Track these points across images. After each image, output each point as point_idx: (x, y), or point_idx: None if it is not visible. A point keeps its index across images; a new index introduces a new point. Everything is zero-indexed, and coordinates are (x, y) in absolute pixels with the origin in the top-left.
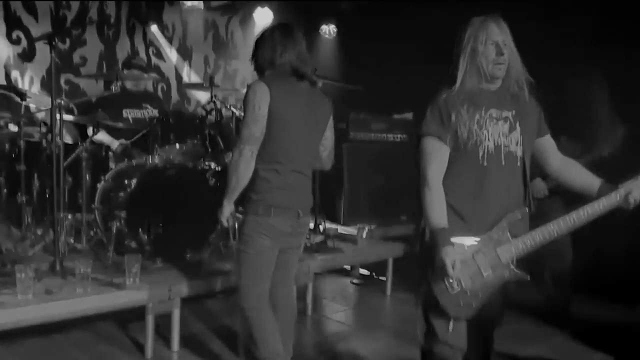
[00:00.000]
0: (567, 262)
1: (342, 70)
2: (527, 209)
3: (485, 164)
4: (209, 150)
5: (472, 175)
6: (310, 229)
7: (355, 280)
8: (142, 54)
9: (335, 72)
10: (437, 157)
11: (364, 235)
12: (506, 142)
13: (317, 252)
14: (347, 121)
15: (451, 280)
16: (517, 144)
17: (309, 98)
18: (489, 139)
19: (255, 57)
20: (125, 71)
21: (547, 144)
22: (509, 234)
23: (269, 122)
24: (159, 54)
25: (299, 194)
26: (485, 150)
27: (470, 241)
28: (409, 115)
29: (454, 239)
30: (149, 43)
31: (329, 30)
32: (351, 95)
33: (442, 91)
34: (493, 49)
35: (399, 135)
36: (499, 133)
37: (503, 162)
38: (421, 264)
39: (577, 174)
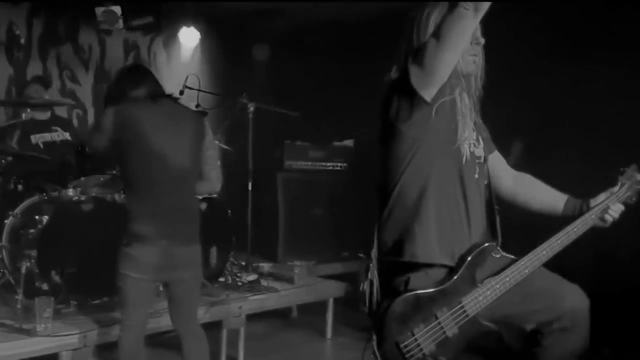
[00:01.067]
0: None
1: (277, 95)
2: (494, 243)
3: (464, 162)
4: None
5: (452, 186)
6: (241, 267)
7: None
8: (56, 78)
9: (270, 96)
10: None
11: (302, 274)
12: (478, 152)
13: (248, 292)
14: (281, 149)
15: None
16: (483, 154)
17: (168, 117)
18: (467, 140)
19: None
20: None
21: (497, 161)
22: (476, 276)
23: (121, 150)
24: (74, 77)
25: (163, 223)
26: (466, 147)
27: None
28: (349, 143)
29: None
30: (62, 66)
31: (261, 52)
32: (287, 122)
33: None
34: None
35: (339, 164)
36: (473, 140)
37: (477, 175)
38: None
39: (536, 191)
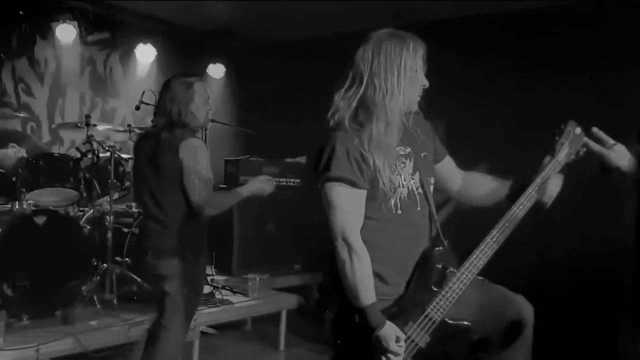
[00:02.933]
0: None
1: (231, 112)
2: (440, 247)
3: (399, 212)
4: (84, 194)
5: (386, 227)
6: None
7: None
8: (10, 91)
9: (225, 113)
10: (355, 209)
11: (256, 287)
12: (415, 183)
13: (203, 304)
14: (237, 165)
15: None
16: (419, 181)
17: (154, 144)
18: (402, 185)
19: None
20: None
21: (447, 167)
22: (432, 285)
23: None
24: (29, 91)
25: (147, 239)
26: (399, 197)
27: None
28: (302, 159)
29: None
30: (17, 79)
31: (216, 70)
32: (243, 139)
33: (345, 120)
34: (422, 73)
35: (292, 180)
36: (409, 174)
37: (419, 207)
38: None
39: (483, 184)
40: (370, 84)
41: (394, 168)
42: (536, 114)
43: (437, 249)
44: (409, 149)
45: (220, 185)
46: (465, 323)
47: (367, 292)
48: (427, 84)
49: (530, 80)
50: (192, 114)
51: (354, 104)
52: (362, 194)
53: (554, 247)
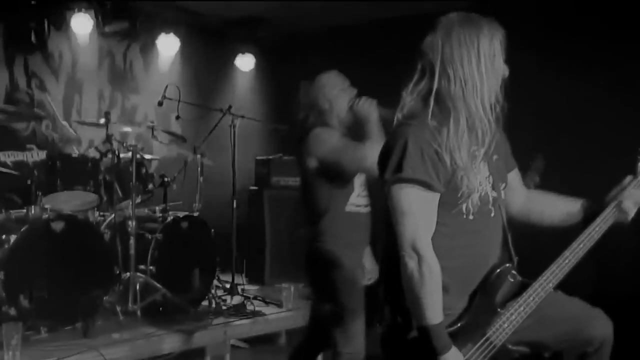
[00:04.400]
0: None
1: (262, 107)
2: (510, 264)
3: (471, 217)
4: (104, 198)
5: (456, 233)
6: (226, 289)
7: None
8: (23, 87)
9: (255, 109)
10: (428, 214)
11: (290, 297)
12: (489, 188)
13: (234, 316)
14: (268, 165)
15: None
16: (494, 187)
17: None
18: (477, 189)
19: None
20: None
21: (513, 180)
22: (497, 306)
23: None
24: (43, 87)
25: None
26: (472, 201)
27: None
28: None
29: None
30: (31, 74)
31: (245, 62)
32: (276, 135)
33: (415, 115)
34: (501, 60)
35: None
36: (484, 177)
37: (492, 214)
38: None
39: (550, 204)
40: (443, 75)
41: (470, 169)
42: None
43: (506, 265)
44: (483, 150)
45: (251, 187)
46: (526, 349)
47: (435, 309)
48: (506, 72)
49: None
50: None
51: (427, 99)
52: (435, 197)
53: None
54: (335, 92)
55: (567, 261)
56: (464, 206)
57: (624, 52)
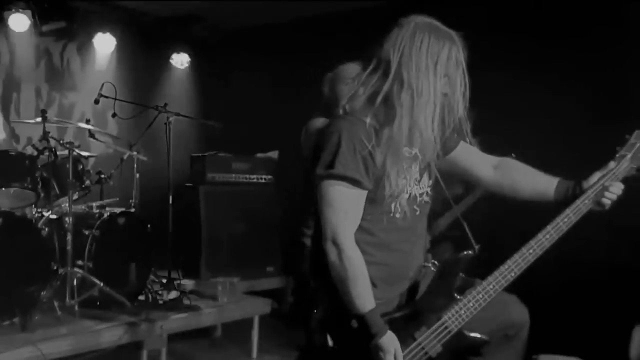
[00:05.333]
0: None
1: (197, 105)
2: (471, 252)
3: (397, 215)
4: (41, 195)
5: (382, 230)
6: (162, 284)
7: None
8: None
9: (190, 106)
10: (353, 210)
11: (226, 291)
12: (419, 189)
13: (170, 310)
14: (203, 161)
15: None
16: (428, 187)
17: None
18: (406, 190)
19: None
20: None
21: (465, 153)
22: (455, 292)
23: None
24: None
25: None
26: (400, 201)
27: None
28: (274, 154)
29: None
30: None
31: (180, 60)
32: (209, 133)
33: (356, 110)
34: (459, 82)
35: (263, 177)
36: (414, 179)
37: (418, 212)
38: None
39: (522, 176)
40: (397, 78)
41: (402, 171)
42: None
43: (466, 252)
44: (415, 151)
45: (186, 184)
46: (483, 337)
47: (364, 297)
48: (461, 97)
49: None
50: None
51: (374, 97)
52: (363, 194)
53: None
54: (343, 84)
55: (531, 251)
56: (392, 205)
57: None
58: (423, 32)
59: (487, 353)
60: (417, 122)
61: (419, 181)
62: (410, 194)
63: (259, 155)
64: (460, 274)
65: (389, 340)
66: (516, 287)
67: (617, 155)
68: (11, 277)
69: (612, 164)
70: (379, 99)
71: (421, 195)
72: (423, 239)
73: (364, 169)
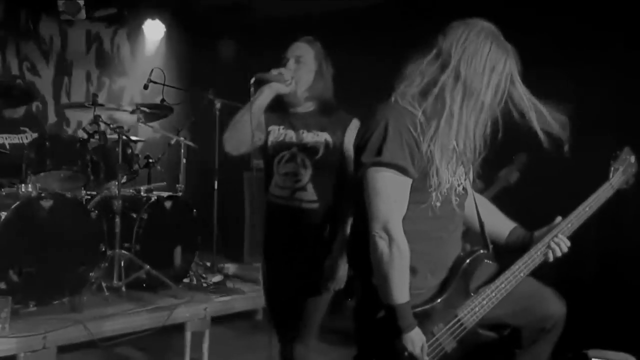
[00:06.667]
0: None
1: (243, 92)
2: (485, 251)
3: (438, 204)
4: (91, 178)
5: (424, 219)
6: (207, 268)
7: None
8: (15, 69)
9: (237, 93)
10: (401, 198)
11: None
12: (457, 181)
13: (214, 293)
14: None
15: None
16: (464, 180)
17: None
18: (448, 180)
19: None
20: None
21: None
22: (469, 288)
23: None
24: (34, 69)
25: None
26: (440, 192)
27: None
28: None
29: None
30: (22, 58)
31: (228, 46)
32: None
33: (406, 99)
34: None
35: None
36: (452, 171)
37: (457, 202)
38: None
39: (488, 215)
40: (454, 74)
41: (446, 164)
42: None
43: (482, 251)
44: (456, 145)
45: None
46: (494, 335)
47: (402, 289)
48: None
49: None
50: None
51: (428, 88)
52: (409, 182)
53: None
54: None
55: (539, 252)
56: (433, 194)
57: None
58: (488, 37)
59: (525, 345)
60: (463, 120)
61: (456, 173)
62: (450, 184)
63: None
64: (477, 270)
65: (417, 334)
66: (565, 280)
67: (612, 169)
68: (61, 257)
69: (558, 219)
70: (435, 91)
71: (459, 185)
72: (460, 228)
73: (411, 158)
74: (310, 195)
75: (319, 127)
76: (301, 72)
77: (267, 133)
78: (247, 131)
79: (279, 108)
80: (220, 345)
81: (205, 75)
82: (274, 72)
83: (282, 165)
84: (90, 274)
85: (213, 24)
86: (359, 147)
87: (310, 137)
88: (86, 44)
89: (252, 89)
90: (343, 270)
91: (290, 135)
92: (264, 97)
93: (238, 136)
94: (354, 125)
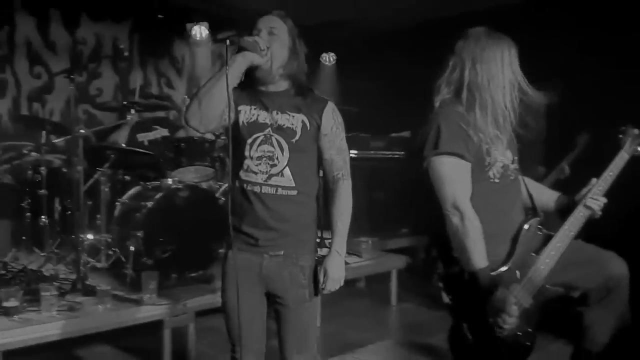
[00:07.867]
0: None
1: (340, 94)
2: (538, 217)
3: (497, 180)
4: (218, 171)
5: (487, 195)
6: (317, 242)
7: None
8: (154, 84)
9: (334, 95)
10: (464, 179)
11: (368, 248)
12: (507, 160)
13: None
14: (346, 140)
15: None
16: (514, 158)
17: None
18: (499, 160)
19: None
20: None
21: None
22: (533, 251)
23: None
24: (170, 84)
25: None
26: (495, 169)
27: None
28: (406, 134)
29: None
30: (160, 74)
31: (328, 58)
32: (349, 117)
33: (448, 102)
34: (517, 68)
35: (397, 153)
36: (502, 151)
37: (512, 177)
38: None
39: (535, 191)
40: (472, 70)
41: (492, 145)
42: None
43: (536, 218)
44: (498, 132)
45: None
46: (561, 289)
47: (480, 255)
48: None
49: None
50: None
51: (459, 89)
52: (468, 166)
53: None
54: None
55: (580, 213)
56: (490, 172)
57: None
58: (485, 36)
59: (592, 302)
60: (495, 99)
61: (505, 154)
62: (503, 162)
63: (394, 134)
64: (538, 234)
65: (502, 293)
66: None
67: (623, 140)
68: (196, 238)
69: (593, 180)
70: (465, 88)
71: (512, 163)
72: (521, 200)
73: (464, 145)
74: (287, 181)
75: (294, 109)
76: (275, 45)
77: (237, 112)
78: (216, 104)
79: (248, 86)
80: (329, 308)
81: (310, 81)
82: (249, 39)
83: (256, 149)
84: (219, 250)
85: (313, 39)
86: (419, 146)
87: (285, 118)
88: (211, 62)
89: (228, 54)
90: (340, 269)
91: (264, 116)
92: (237, 66)
93: (207, 111)
94: (330, 107)
